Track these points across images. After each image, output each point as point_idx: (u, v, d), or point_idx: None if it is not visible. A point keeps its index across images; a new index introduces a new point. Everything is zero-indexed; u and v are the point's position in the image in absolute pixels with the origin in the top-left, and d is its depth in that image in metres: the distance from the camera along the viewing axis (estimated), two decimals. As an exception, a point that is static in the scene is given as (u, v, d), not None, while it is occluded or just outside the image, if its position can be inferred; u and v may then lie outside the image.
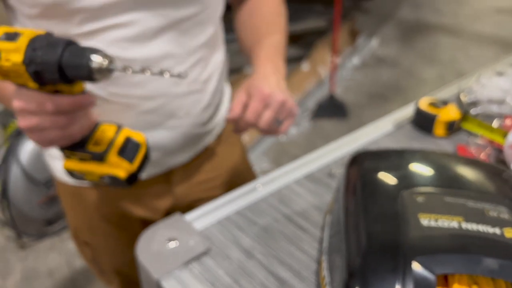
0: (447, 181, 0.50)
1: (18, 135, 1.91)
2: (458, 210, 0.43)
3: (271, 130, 0.69)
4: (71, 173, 0.64)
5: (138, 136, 0.65)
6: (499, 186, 0.50)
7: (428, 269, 0.36)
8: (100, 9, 0.64)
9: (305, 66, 3.33)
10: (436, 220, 0.41)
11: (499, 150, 0.84)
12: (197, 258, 0.61)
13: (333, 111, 3.04)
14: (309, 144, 2.77)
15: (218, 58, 0.84)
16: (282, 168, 0.81)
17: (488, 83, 1.03)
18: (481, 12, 4.86)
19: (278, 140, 2.78)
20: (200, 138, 0.85)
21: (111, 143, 0.62)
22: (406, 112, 0.97)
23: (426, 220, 0.42)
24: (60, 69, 0.51)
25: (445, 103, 0.90)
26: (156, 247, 0.62)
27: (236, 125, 0.70)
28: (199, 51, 0.76)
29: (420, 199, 0.45)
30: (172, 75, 0.53)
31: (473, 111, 0.95)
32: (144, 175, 0.81)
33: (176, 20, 0.71)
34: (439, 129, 0.88)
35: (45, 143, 0.58)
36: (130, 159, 0.63)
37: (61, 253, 2.03)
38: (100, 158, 0.61)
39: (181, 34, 0.72)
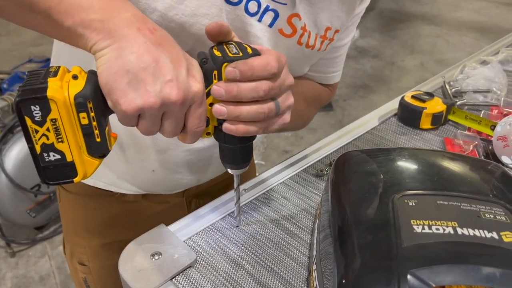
0: (438, 181, 0.48)
1: (1, 141, 1.85)
2: (452, 214, 0.41)
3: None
4: None
5: None
6: (492, 184, 0.48)
7: (424, 282, 0.34)
8: None
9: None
10: (430, 227, 0.39)
11: (487, 141, 0.82)
12: (183, 271, 0.58)
13: (317, 103, 3.04)
14: (296, 137, 2.76)
15: None
16: (268, 171, 0.78)
17: (473, 73, 1.02)
18: (460, -1, 4.89)
19: (265, 134, 2.75)
20: None
21: None
22: (391, 106, 0.95)
23: (419, 227, 0.39)
24: None
25: (431, 95, 0.88)
26: (140, 262, 0.59)
27: None
28: None
29: (411, 203, 0.43)
30: None
31: (459, 102, 0.94)
32: (161, 191, 0.81)
33: None
34: (426, 123, 0.87)
35: None
36: None
37: (52, 259, 1.99)
38: None
39: None
